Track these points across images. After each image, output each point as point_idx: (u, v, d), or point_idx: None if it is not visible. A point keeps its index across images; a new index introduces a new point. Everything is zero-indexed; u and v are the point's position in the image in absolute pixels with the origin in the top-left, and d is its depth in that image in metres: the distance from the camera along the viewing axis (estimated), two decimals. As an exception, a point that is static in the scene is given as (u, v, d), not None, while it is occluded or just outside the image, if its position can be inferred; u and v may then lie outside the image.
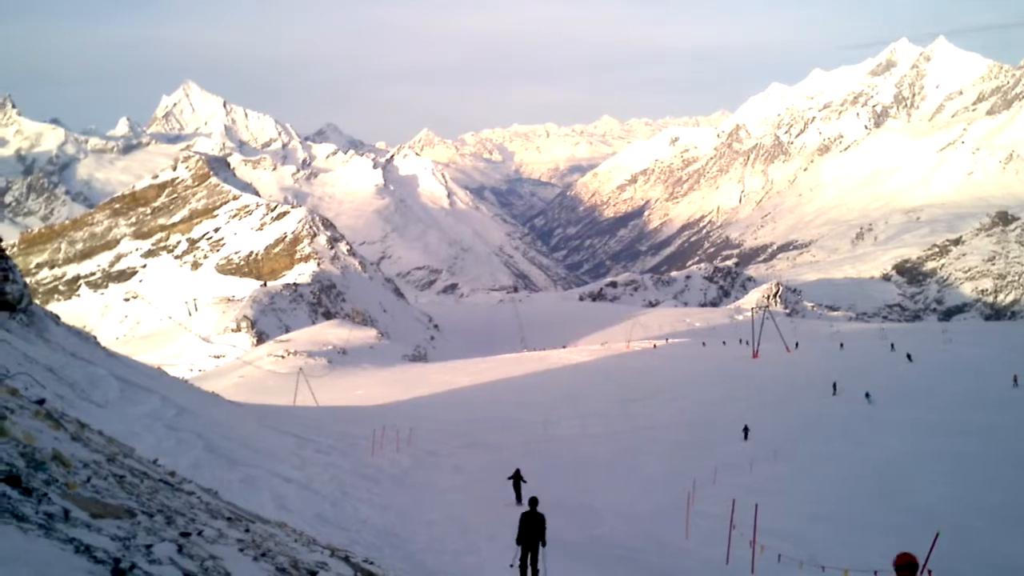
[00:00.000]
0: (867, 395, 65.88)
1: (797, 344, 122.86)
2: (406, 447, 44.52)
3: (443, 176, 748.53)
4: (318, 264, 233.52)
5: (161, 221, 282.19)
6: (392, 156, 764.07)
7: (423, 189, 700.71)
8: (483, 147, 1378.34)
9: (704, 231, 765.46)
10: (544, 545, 22.19)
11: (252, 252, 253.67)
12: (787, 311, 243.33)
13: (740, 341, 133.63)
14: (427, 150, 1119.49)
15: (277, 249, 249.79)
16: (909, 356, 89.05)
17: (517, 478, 34.87)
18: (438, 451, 45.12)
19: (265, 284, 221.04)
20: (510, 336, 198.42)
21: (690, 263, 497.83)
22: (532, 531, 21.95)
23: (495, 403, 75.71)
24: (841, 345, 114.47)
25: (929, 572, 22.31)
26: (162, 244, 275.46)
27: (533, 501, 23.10)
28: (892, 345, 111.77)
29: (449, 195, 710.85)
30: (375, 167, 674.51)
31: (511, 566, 22.65)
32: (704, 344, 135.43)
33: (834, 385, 71.88)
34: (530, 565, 22.08)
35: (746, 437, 52.25)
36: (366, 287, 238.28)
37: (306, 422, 48.94)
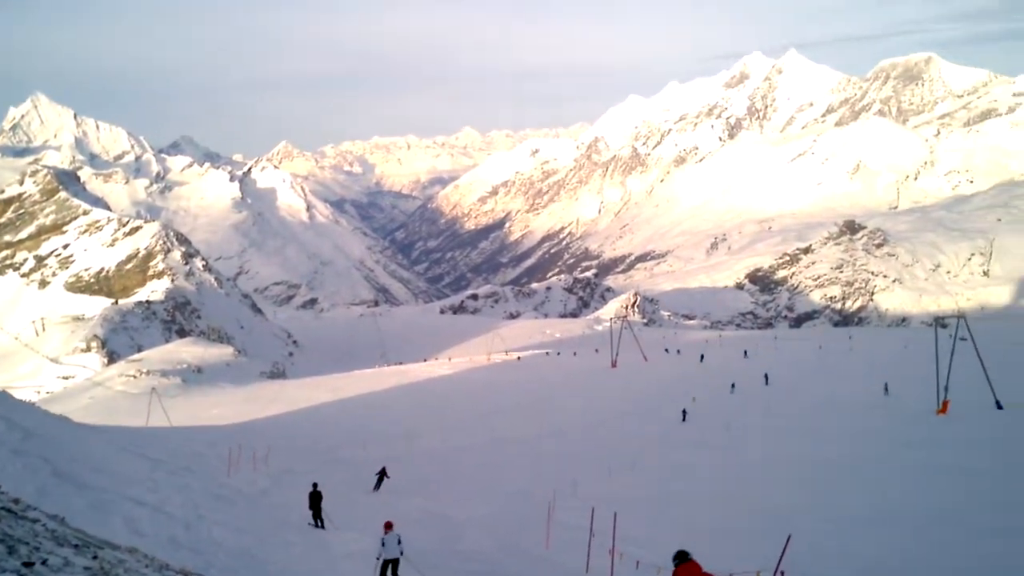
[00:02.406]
0: (766, 376, 67.50)
1: (679, 351, 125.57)
2: (263, 466, 44.02)
3: (302, 189, 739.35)
4: (172, 280, 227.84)
5: (7, 238, 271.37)
6: (250, 169, 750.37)
7: (282, 202, 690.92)
8: (343, 159, 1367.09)
9: (564, 242, 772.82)
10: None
11: (103, 269, 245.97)
12: (645, 321, 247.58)
13: (596, 351, 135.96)
14: (286, 163, 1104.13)
15: (129, 266, 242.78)
16: (766, 377, 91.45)
17: (382, 474, 39.87)
18: (296, 469, 44.66)
19: (116, 302, 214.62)
20: (371, 351, 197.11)
21: (550, 274, 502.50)
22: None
23: (356, 419, 75.26)
24: (702, 357, 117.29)
25: (782, 574, 23.17)
26: (7, 262, 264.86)
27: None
28: (745, 352, 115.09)
29: (308, 208, 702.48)
30: (232, 180, 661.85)
31: None
32: (560, 354, 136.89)
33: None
34: None
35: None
36: (222, 303, 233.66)
37: (159, 443, 47.88)
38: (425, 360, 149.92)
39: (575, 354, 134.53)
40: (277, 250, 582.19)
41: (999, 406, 60.84)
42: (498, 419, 70.28)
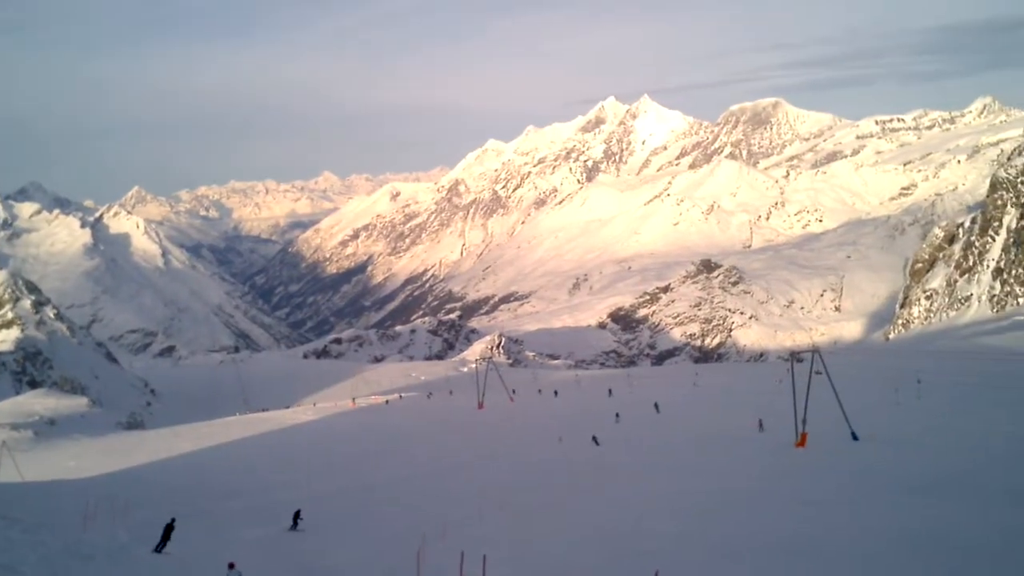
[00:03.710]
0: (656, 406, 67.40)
1: (556, 393, 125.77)
2: (122, 520, 42.19)
3: (157, 234, 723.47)
4: (22, 330, 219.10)
5: None
6: (101, 215, 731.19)
7: (136, 248, 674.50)
8: (199, 204, 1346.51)
9: (427, 285, 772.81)
10: None
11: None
12: (510, 361, 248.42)
13: (450, 392, 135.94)
14: (139, 208, 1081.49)
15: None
16: (656, 405, 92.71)
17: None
18: (158, 522, 42.95)
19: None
20: (233, 398, 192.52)
21: (414, 317, 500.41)
22: None
23: (217, 468, 73.13)
24: (556, 392, 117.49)
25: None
26: None
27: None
28: (610, 391, 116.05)
29: (164, 254, 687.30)
30: (83, 226, 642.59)
31: None
32: (430, 395, 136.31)
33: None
34: None
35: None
36: (75, 353, 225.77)
37: (12, 500, 45.54)
38: (289, 406, 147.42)
39: (431, 395, 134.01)
40: (132, 297, 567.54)
41: (855, 437, 62.27)
42: (365, 464, 69.33)
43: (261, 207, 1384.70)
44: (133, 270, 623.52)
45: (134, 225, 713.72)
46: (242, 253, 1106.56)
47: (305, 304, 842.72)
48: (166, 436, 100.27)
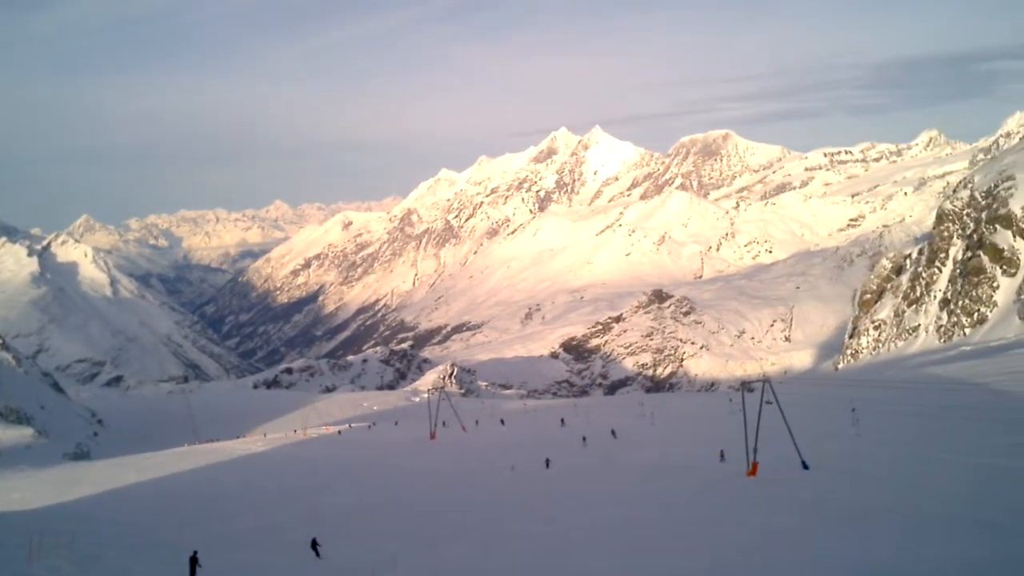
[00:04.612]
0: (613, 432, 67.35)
1: (502, 421, 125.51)
2: (67, 553, 41.39)
3: (106, 263, 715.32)
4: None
5: None
6: (49, 243, 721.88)
7: (84, 277, 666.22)
8: (149, 233, 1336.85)
9: (380, 314, 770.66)
10: None
11: None
12: (462, 391, 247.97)
13: (395, 423, 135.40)
14: (88, 236, 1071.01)
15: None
16: (613, 432, 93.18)
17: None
18: (104, 555, 42.22)
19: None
20: (182, 428, 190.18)
21: (366, 347, 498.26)
22: None
23: (167, 500, 72.16)
24: (502, 421, 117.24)
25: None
26: None
27: None
28: (562, 420, 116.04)
29: (112, 283, 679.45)
30: (30, 254, 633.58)
31: None
32: (373, 424, 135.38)
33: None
34: None
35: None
36: (21, 383, 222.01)
37: (-47, 533, 44.58)
38: (239, 437, 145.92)
39: (372, 426, 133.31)
40: (79, 326, 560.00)
41: (805, 467, 62.53)
42: (315, 495, 68.80)
43: (211, 236, 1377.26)
44: (81, 299, 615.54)
45: (82, 254, 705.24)
46: (192, 282, 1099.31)
47: (255, 334, 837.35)
48: (113, 467, 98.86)
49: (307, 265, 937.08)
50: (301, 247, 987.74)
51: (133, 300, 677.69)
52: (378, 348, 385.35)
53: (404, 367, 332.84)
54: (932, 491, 50.30)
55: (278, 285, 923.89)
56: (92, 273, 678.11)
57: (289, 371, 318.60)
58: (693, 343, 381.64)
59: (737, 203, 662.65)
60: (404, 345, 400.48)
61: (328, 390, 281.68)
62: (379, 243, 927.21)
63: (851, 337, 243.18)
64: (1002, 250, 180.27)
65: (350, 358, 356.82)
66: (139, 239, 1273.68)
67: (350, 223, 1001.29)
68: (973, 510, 43.55)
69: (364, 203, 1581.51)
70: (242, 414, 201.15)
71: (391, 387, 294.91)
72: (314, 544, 44.41)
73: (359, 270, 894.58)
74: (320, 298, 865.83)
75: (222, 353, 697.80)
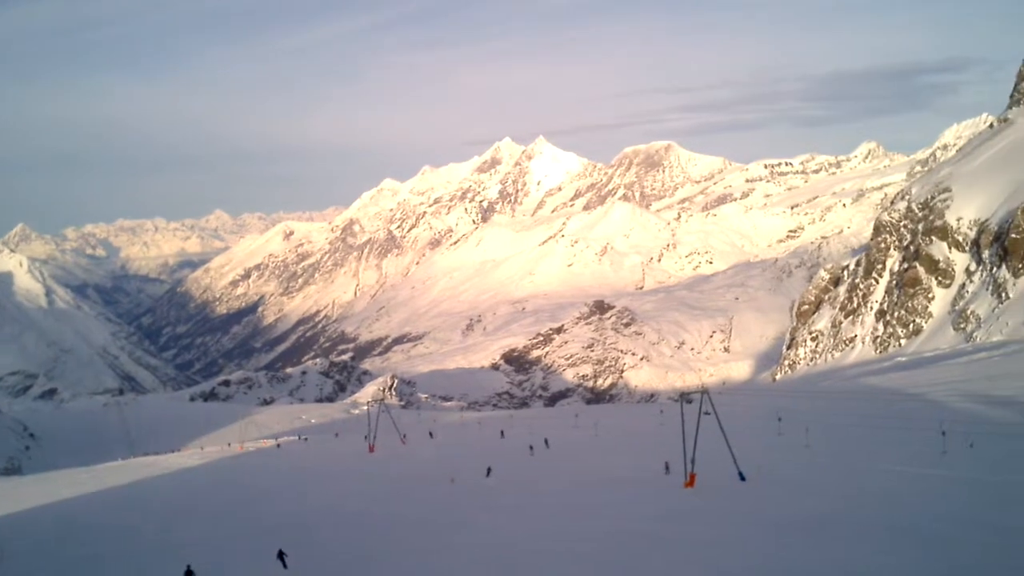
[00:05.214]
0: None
1: (431, 434, 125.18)
2: (-4, 571, 40.66)
3: (41, 273, 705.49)
4: None
5: None
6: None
7: (18, 287, 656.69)
8: (86, 242, 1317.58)
9: (320, 325, 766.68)
10: None
11: None
12: (402, 403, 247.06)
13: (336, 435, 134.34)
14: (23, 245, 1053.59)
15: None
16: (546, 441, 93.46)
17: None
18: (38, 574, 41.47)
19: None
20: (118, 442, 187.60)
21: (306, 358, 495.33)
22: None
23: (101, 515, 71.10)
24: (430, 434, 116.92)
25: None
26: None
27: None
28: (502, 432, 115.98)
29: (48, 293, 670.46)
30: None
31: None
32: (306, 439, 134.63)
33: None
34: None
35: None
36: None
37: None
38: (175, 451, 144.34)
39: (306, 439, 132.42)
40: (13, 338, 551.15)
41: (742, 477, 62.86)
42: (251, 509, 68.01)
43: (150, 246, 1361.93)
44: (15, 310, 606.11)
45: (17, 263, 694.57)
46: (129, 293, 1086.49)
47: (193, 345, 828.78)
48: (44, 482, 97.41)
49: (247, 275, 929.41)
50: (241, 257, 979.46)
51: (69, 311, 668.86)
52: (318, 360, 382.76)
53: (344, 379, 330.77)
54: (867, 500, 50.79)
55: (217, 296, 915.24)
56: (27, 283, 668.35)
57: (227, 383, 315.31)
58: (633, 354, 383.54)
59: (679, 214, 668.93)
60: (344, 357, 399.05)
61: (266, 403, 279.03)
62: (320, 253, 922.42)
63: (789, 348, 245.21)
64: (938, 261, 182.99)
65: (289, 370, 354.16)
66: (76, 248, 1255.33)
67: (291, 233, 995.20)
68: (911, 520, 44.04)
69: (306, 213, 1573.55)
70: (178, 427, 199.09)
71: (330, 399, 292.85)
72: (281, 555, 44.30)
73: (300, 281, 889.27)
74: (260, 309, 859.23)
75: (159, 365, 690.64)
